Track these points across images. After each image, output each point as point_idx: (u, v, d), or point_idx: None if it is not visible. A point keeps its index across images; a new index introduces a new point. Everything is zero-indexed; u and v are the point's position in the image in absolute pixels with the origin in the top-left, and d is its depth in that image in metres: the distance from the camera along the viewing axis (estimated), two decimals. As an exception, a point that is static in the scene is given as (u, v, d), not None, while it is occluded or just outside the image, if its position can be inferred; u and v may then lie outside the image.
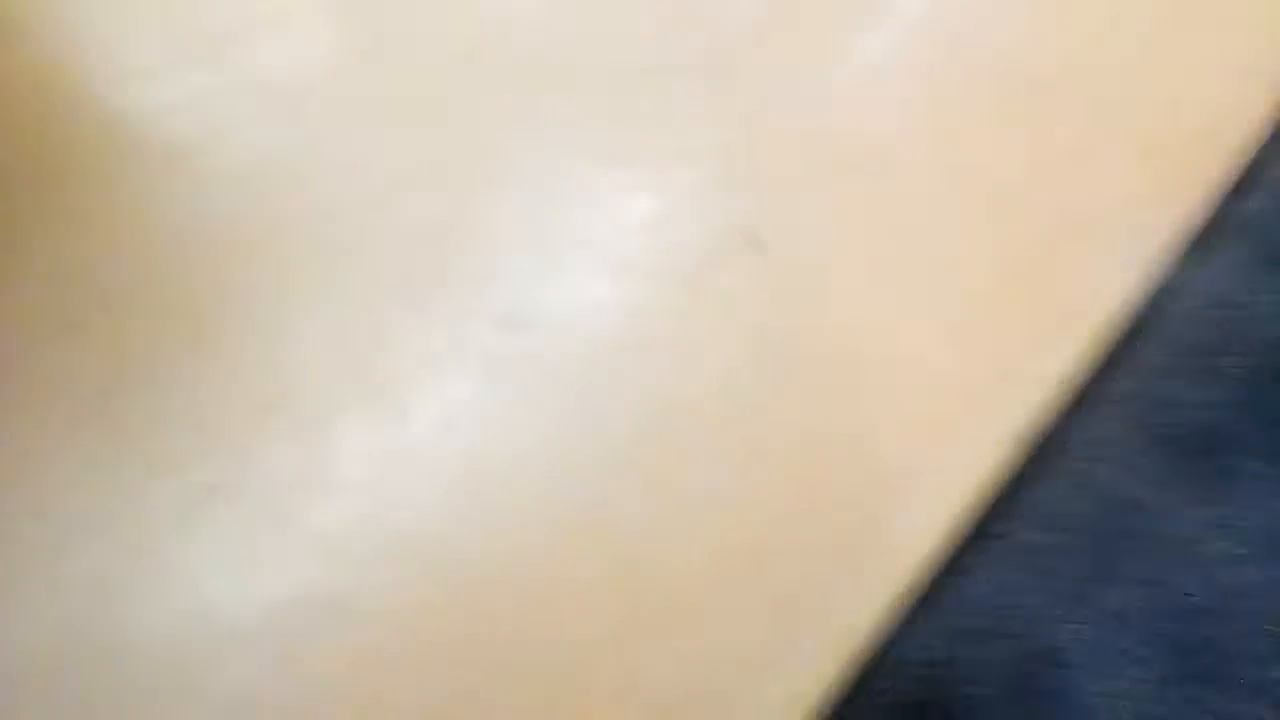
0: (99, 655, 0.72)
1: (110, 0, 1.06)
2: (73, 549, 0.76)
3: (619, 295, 0.94)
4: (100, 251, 0.90)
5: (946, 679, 0.74)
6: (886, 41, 1.17)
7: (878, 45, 1.17)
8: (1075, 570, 0.80)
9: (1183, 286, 0.99)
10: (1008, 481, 0.85)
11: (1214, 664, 0.76)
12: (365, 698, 0.73)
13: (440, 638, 0.75)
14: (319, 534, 0.78)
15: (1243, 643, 0.76)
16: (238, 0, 1.08)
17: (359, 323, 0.89)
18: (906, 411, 0.90)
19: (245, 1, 1.08)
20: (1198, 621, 0.78)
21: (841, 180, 1.04)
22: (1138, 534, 0.82)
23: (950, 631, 0.76)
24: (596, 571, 0.80)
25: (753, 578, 0.80)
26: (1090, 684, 0.75)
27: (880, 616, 0.78)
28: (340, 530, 0.79)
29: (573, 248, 0.96)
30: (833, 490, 0.84)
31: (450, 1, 1.12)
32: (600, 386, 0.89)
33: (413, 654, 0.75)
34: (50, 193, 0.93)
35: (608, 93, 1.08)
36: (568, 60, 1.10)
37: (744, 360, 0.91)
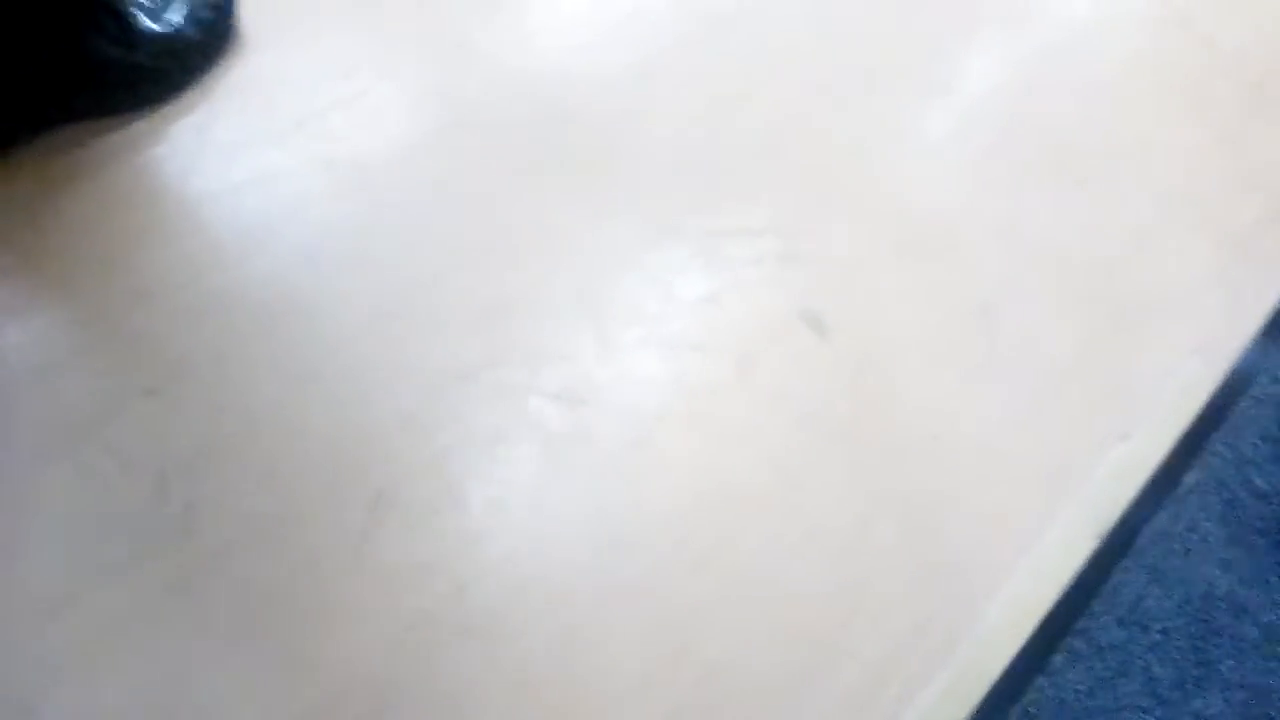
0: None
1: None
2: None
3: (672, 373, 0.93)
4: (175, 324, 0.92)
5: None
6: (948, 120, 1.17)
7: (940, 124, 1.16)
8: (1165, 672, 0.74)
9: (1260, 371, 0.94)
10: (1087, 572, 0.80)
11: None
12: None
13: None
14: (374, 620, 0.76)
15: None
16: (313, 81, 1.13)
17: (419, 402, 0.88)
18: (977, 500, 0.86)
19: (321, 83, 1.13)
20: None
21: (904, 259, 1.03)
22: (1230, 634, 0.76)
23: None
24: (648, 658, 0.76)
25: (815, 671, 0.75)
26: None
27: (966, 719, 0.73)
28: (396, 617, 0.77)
29: (626, 325, 0.96)
30: (898, 582, 0.80)
31: (511, 80, 1.14)
32: (651, 465, 0.87)
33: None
34: (129, 267, 0.96)
35: (663, 170, 1.07)
36: (624, 138, 1.10)
37: (800, 443, 0.88)
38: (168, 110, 1.07)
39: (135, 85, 1.04)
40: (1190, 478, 0.86)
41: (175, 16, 1.05)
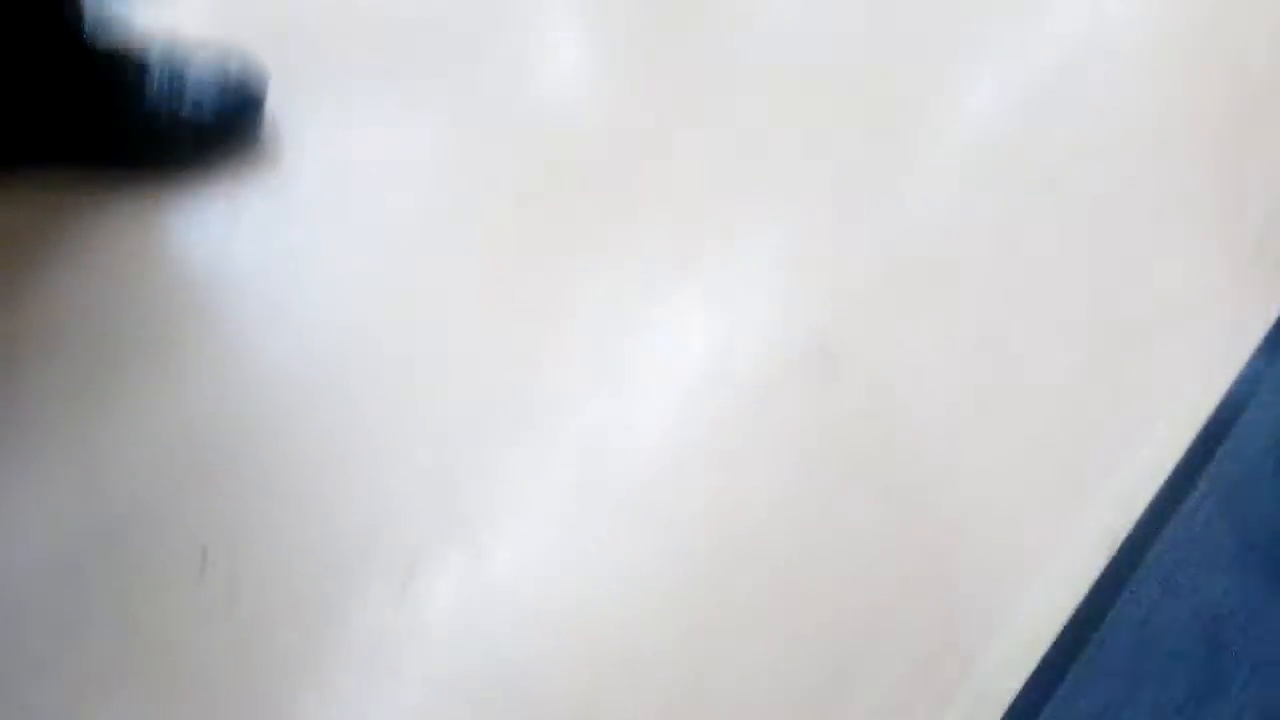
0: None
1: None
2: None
3: (688, 413, 0.95)
4: (201, 399, 0.96)
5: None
6: (950, 149, 1.17)
7: (942, 153, 1.17)
8: (1177, 688, 0.76)
9: (1268, 381, 0.95)
10: (1099, 585, 0.81)
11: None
12: None
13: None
14: (413, 680, 0.80)
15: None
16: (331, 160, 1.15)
17: (441, 460, 0.91)
18: (990, 530, 0.87)
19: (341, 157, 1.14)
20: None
21: (914, 288, 1.04)
22: (1241, 649, 0.77)
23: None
24: (666, 696, 0.79)
25: (827, 705, 0.78)
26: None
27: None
28: (434, 676, 0.80)
29: (639, 372, 0.98)
30: (911, 620, 0.82)
31: (509, 138, 1.16)
32: (670, 509, 0.89)
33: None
34: (158, 351, 0.99)
35: (670, 211, 1.10)
36: (628, 181, 1.12)
37: (814, 480, 0.90)
38: (197, 188, 1.10)
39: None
40: (1197, 492, 0.87)
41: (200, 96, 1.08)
